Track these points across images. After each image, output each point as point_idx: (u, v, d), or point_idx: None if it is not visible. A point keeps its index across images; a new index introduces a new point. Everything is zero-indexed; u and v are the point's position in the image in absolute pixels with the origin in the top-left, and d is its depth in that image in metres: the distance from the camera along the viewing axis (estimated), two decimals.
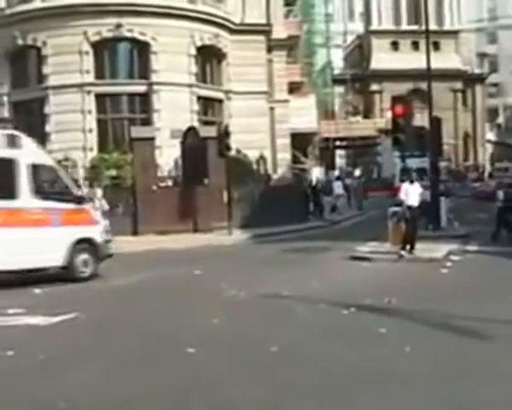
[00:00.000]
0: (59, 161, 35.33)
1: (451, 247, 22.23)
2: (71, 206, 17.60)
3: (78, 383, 8.59)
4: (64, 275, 17.65)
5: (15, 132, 17.43)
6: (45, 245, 16.83)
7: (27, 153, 17.04)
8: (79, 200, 18.03)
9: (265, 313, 13.12)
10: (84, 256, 17.83)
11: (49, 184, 17.92)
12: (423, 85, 35.18)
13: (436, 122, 31.48)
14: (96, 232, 18.25)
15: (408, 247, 20.69)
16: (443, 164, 65.81)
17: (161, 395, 8.09)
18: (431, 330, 11.06)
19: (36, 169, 17.14)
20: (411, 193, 20.96)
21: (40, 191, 17.20)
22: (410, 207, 20.79)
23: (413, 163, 33.42)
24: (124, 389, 8.35)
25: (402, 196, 21.09)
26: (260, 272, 18.84)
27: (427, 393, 7.93)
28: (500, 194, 25.50)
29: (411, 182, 21.45)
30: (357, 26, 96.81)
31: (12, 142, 16.85)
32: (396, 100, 25.47)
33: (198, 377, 8.84)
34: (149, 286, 16.78)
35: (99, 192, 29.26)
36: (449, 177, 56.78)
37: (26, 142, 17.45)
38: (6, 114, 39.02)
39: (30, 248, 16.50)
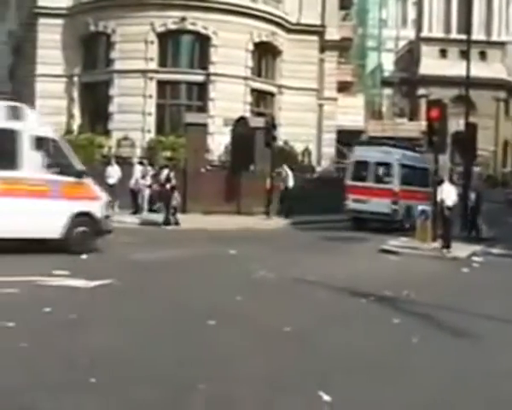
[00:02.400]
0: (118, 140, 36.33)
1: (476, 248, 22.04)
2: (71, 179, 16.77)
3: (102, 343, 8.73)
4: (62, 247, 16.76)
5: (18, 104, 16.80)
6: (44, 217, 16.11)
7: (30, 125, 16.31)
8: (80, 174, 17.04)
9: (288, 295, 13.13)
10: (82, 229, 16.98)
11: (51, 157, 16.82)
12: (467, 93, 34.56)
13: (472, 128, 31.10)
14: (96, 207, 17.28)
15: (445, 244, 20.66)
16: (476, 169, 65.11)
17: (173, 361, 8.19)
18: (442, 325, 10.88)
19: (38, 141, 16.38)
20: (448, 193, 20.84)
21: (42, 163, 16.51)
22: (448, 208, 20.66)
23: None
24: (143, 353, 8.46)
25: (440, 196, 20.90)
26: (292, 257, 18.74)
27: (425, 383, 7.90)
28: None
29: (451, 181, 21.52)
30: (409, 33, 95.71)
31: (15, 113, 16.21)
32: (432, 104, 25.14)
33: (212, 347, 8.95)
34: (184, 261, 16.80)
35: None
36: (480, 182, 55.85)
37: (30, 114, 16.83)
38: (76, 93, 39.76)
39: (29, 218, 15.83)
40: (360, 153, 29.96)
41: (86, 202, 17.05)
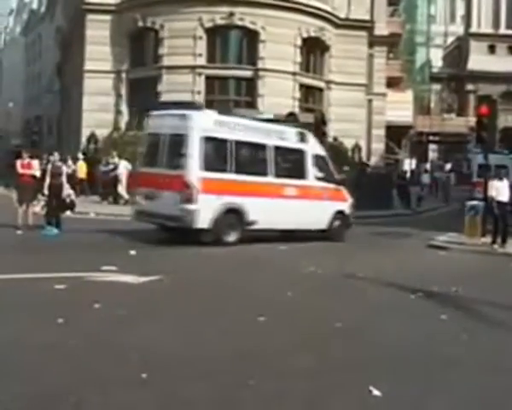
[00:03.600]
0: None
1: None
2: (333, 186, 21.36)
3: (153, 339, 8.44)
4: (324, 236, 20.86)
5: (305, 131, 21.30)
6: (319, 213, 20.54)
7: (312, 146, 21.06)
8: (338, 182, 21.83)
9: (337, 290, 12.86)
10: (337, 223, 21.41)
11: (321, 170, 21.18)
12: None
13: None
14: (347, 206, 21.89)
15: (499, 240, 20.32)
16: None
17: (223, 357, 7.94)
18: (492, 321, 10.59)
19: (316, 158, 20.97)
20: (501, 188, 20.33)
21: (317, 174, 20.96)
22: (499, 203, 20.10)
23: (493, 160, 31.90)
24: (191, 349, 8.22)
25: (491, 192, 20.46)
26: (341, 253, 18.73)
27: (471, 380, 7.65)
28: None
29: (500, 178, 20.85)
30: (458, 28, 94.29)
31: (303, 138, 20.71)
32: (482, 100, 24.67)
33: (263, 343, 8.67)
34: (234, 257, 16.63)
35: None
36: None
37: (311, 138, 21.37)
38: (124, 89, 39.57)
39: (311, 214, 20.14)
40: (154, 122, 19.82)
41: (341, 203, 21.68)
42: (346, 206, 21.80)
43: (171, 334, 8.84)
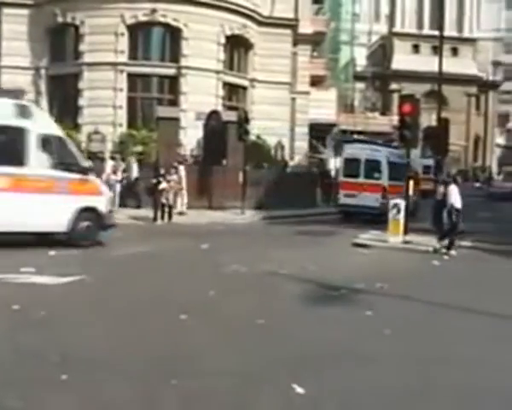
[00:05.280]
0: (89, 135, 35.80)
1: (447, 241, 21.95)
2: (77, 176, 17.39)
3: (71, 340, 8.59)
4: (67, 240, 17.33)
5: (26, 102, 17.49)
6: (50, 211, 16.70)
7: (38, 123, 16.87)
8: (85, 171, 17.74)
9: (260, 288, 13.11)
10: (87, 224, 17.58)
11: (57, 155, 17.30)
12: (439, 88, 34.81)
13: (444, 123, 31.23)
14: (101, 202, 17.94)
15: (444, 243, 20.46)
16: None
17: (145, 357, 8.09)
18: (414, 317, 11.06)
19: (46, 139, 16.95)
20: (456, 195, 20.53)
21: (48, 160, 16.98)
22: (457, 210, 20.37)
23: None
24: (112, 349, 8.37)
25: (451, 198, 20.44)
26: (265, 251, 18.77)
27: (392, 373, 8.01)
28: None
29: (456, 183, 21.12)
30: (382, 28, 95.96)
31: (23, 112, 16.67)
32: (404, 98, 25.26)
33: (185, 342, 8.88)
34: (156, 257, 16.72)
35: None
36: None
37: (37, 112, 17.63)
38: (43, 86, 39.11)
39: (35, 212, 16.41)
40: (351, 151, 31.38)
41: (91, 198, 17.70)
42: (99, 201, 17.99)
43: (92, 335, 8.95)
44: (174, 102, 37.41)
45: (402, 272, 16.52)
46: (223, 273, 14.54)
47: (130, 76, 37.87)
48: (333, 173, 43.48)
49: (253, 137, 35.37)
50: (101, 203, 17.97)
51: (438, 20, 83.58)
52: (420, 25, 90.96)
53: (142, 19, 37.63)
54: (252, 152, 31.89)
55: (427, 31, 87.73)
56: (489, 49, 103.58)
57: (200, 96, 36.72)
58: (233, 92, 41.48)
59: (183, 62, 38.04)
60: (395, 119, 72.03)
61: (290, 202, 31.62)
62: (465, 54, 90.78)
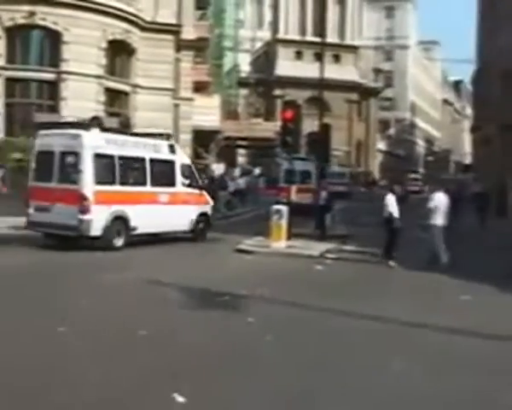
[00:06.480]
0: None
1: (330, 246, 22.64)
2: (197, 191, 24.08)
3: None
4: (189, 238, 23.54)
5: (174, 143, 24.60)
6: (185, 216, 23.30)
7: (179, 156, 23.69)
8: (201, 187, 24.60)
9: (142, 297, 13.03)
10: (201, 225, 24.19)
11: (187, 177, 23.70)
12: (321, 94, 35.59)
13: (325, 129, 32.00)
14: (209, 209, 24.83)
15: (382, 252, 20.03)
16: (347, 170, 67.25)
17: (19, 370, 8.01)
18: (292, 322, 11.26)
19: (183, 167, 23.58)
20: (394, 205, 19.96)
21: (185, 181, 23.51)
22: (396, 220, 19.74)
23: (298, 165, 33.18)
24: None
25: (390, 208, 19.74)
26: (146, 260, 18.79)
27: (272, 379, 8.18)
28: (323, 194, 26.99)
29: (393, 193, 20.45)
30: (266, 34, 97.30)
31: (172, 149, 23.36)
32: (287, 105, 25.91)
33: (62, 354, 8.80)
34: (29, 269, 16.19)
35: None
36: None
37: (178, 148, 24.17)
38: None
39: (179, 218, 22.90)
40: (46, 140, 20.92)
41: (204, 206, 24.55)
42: (208, 208, 24.75)
43: None
44: (54, 108, 36.98)
45: (285, 277, 16.74)
46: (101, 282, 14.42)
47: (8, 81, 37.16)
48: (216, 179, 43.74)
49: None
50: (209, 210, 24.86)
51: (320, 28, 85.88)
52: (303, 31, 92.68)
53: (21, 21, 36.94)
54: None
55: (309, 37, 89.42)
56: (370, 56, 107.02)
57: (80, 101, 36.27)
58: (115, 98, 41.32)
59: (64, 67, 37.61)
60: (279, 124, 73.41)
61: None
62: (347, 61, 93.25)
